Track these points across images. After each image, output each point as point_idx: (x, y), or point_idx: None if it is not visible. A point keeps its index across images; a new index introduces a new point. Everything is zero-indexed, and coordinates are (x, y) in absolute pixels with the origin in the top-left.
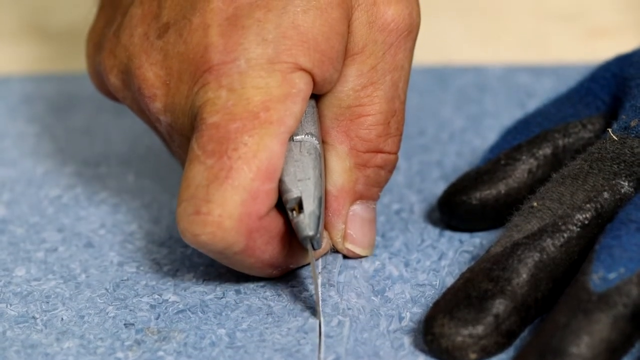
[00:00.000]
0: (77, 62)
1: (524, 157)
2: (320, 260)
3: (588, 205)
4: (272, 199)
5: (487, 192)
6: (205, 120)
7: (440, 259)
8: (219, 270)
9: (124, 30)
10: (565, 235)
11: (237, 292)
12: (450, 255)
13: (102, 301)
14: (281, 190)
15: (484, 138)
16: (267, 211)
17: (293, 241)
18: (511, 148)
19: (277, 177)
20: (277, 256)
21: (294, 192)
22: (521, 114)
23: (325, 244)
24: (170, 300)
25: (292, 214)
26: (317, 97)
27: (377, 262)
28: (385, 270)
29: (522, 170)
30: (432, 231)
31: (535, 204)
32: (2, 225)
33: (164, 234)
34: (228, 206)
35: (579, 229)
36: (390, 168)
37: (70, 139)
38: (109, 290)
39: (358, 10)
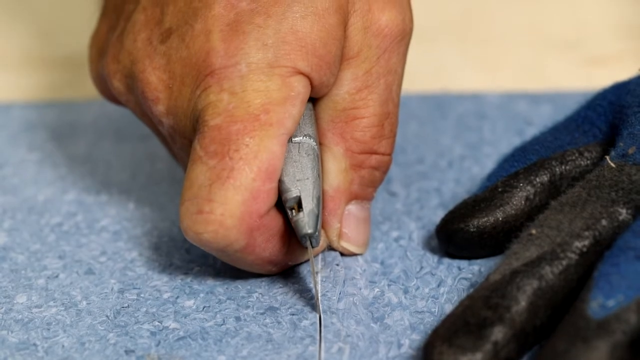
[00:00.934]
0: (78, 90)
1: (521, 185)
2: (319, 256)
3: (586, 233)
4: (272, 198)
5: (485, 220)
6: (208, 123)
7: (439, 286)
8: (219, 297)
9: (128, 36)
10: (564, 262)
11: (237, 319)
12: (449, 282)
13: (102, 328)
14: (281, 190)
15: (483, 166)
16: (267, 210)
17: (292, 239)
18: (509, 176)
19: (277, 177)
20: (276, 253)
21: (293, 191)
22: (519, 142)
23: (321, 242)
24: (170, 327)
25: (292, 212)
26: (314, 100)
27: (377, 289)
28: (384, 297)
29: (519, 197)
30: (431, 258)
31: (533, 231)
32: (3, 253)
33: (164, 261)
34: (230, 205)
35: (577, 257)
36: (384, 169)
37: (71, 167)
38: (110, 317)
39: (354, 16)
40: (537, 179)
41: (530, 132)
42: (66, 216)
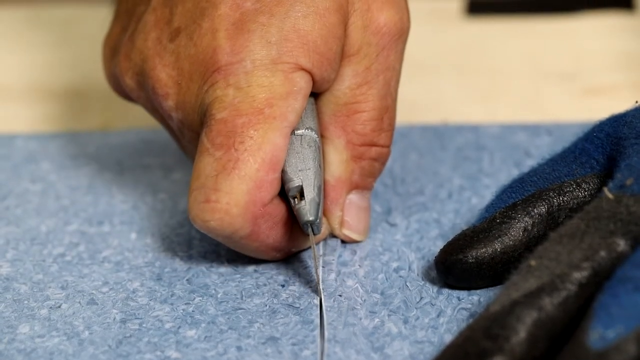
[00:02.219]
0: (81, 122)
1: (519, 216)
2: (320, 244)
3: (585, 264)
4: (276, 187)
5: (483, 251)
6: (214, 116)
7: (438, 316)
8: (221, 327)
9: (139, 36)
10: (563, 293)
11: (239, 349)
12: (449, 312)
13: (105, 358)
14: (284, 180)
15: (482, 197)
16: (271, 199)
17: (294, 226)
18: (507, 207)
19: (280, 167)
20: (280, 240)
21: (295, 181)
22: (518, 173)
23: (324, 230)
24: (172, 357)
25: (294, 201)
26: (316, 95)
27: (377, 319)
28: (384, 327)
29: (517, 228)
30: (431, 289)
31: (533, 262)
32: (6, 283)
33: (166, 292)
34: (235, 194)
35: (576, 288)
36: (383, 160)
37: (73, 198)
38: (112, 347)
39: (354, 15)
40: (535, 210)
41: (529, 163)
42: (69, 247)
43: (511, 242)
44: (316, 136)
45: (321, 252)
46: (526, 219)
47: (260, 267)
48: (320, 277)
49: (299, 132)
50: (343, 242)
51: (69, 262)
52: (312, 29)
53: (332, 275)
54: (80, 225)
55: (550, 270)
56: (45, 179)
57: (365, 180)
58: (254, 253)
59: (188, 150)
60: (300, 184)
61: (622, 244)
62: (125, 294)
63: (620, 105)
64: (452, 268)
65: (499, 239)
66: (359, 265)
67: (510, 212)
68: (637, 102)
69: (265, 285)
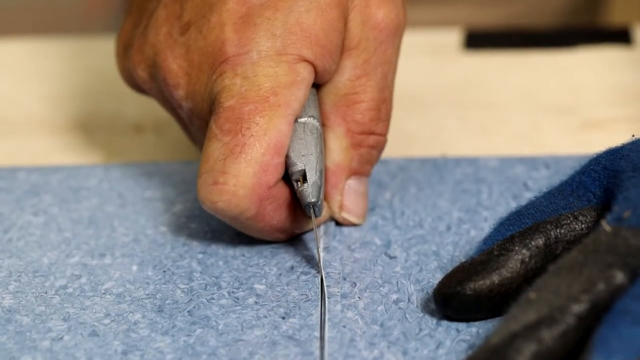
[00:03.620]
0: (83, 155)
1: (517, 248)
2: (321, 227)
3: (584, 297)
4: (280, 171)
5: (481, 283)
6: (222, 104)
7: (437, 348)
8: (222, 358)
9: (151, 30)
10: (562, 326)
11: None
12: (448, 344)
13: None
14: (287, 164)
15: (481, 229)
16: (276, 182)
17: (297, 209)
18: (504, 239)
19: (284, 152)
20: (284, 221)
21: (298, 165)
22: (516, 206)
23: (324, 213)
24: None
25: (297, 184)
26: (317, 86)
27: (376, 351)
28: (383, 359)
29: (515, 260)
30: (430, 320)
31: (532, 295)
32: (8, 315)
33: (167, 323)
34: (242, 177)
35: (575, 320)
36: (380, 148)
37: (75, 230)
38: None
39: (353, 11)
40: (533, 243)
41: (527, 196)
42: (70, 279)
43: (509, 275)
44: (318, 124)
45: (321, 233)
46: (524, 251)
47: (261, 300)
48: (322, 259)
49: (302, 120)
50: (340, 224)
51: (70, 294)
52: (315, 23)
53: (338, 307)
54: (82, 258)
55: (549, 303)
56: (47, 211)
57: (363, 166)
58: (259, 234)
59: (196, 138)
60: (303, 168)
61: (620, 277)
62: (126, 325)
63: (617, 138)
64: (450, 300)
65: (497, 272)
66: (359, 297)
67: (507, 245)
68: (633, 135)
69: (265, 317)
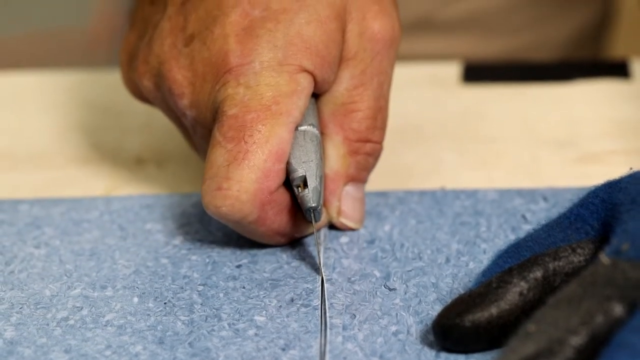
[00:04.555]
0: (84, 188)
1: (515, 280)
2: (321, 231)
3: (582, 329)
4: (281, 177)
5: (480, 315)
6: (226, 113)
7: None
8: None
9: (156, 41)
10: (561, 359)
11: None
12: None
13: None
14: (288, 170)
15: (479, 261)
16: (277, 187)
17: (298, 213)
18: (503, 272)
19: (285, 159)
20: (285, 226)
21: (299, 171)
22: (515, 238)
23: (323, 218)
24: None
25: (298, 190)
26: (317, 96)
27: None
28: None
29: (513, 293)
30: (429, 352)
31: (530, 328)
32: (10, 347)
33: (167, 355)
34: (245, 183)
35: (574, 353)
36: (376, 155)
37: (76, 262)
38: None
39: (351, 23)
40: (531, 275)
41: (526, 229)
42: (72, 311)
43: (507, 307)
44: (317, 132)
45: (322, 238)
46: (522, 283)
47: (261, 331)
48: (322, 261)
49: (302, 128)
50: (340, 229)
51: (72, 326)
52: (314, 35)
53: (339, 338)
54: (83, 290)
55: (548, 336)
56: (49, 243)
57: (360, 173)
58: (261, 237)
59: (200, 147)
60: (304, 174)
61: (619, 309)
62: (127, 357)
63: (615, 171)
64: (449, 332)
65: (496, 303)
66: (359, 329)
67: (506, 277)
68: (631, 168)
69: (265, 348)
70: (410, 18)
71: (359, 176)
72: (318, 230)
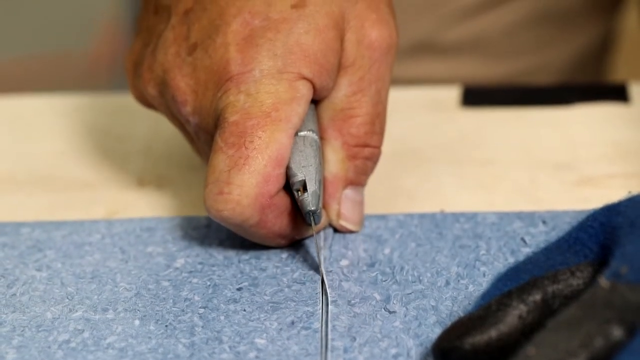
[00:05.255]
0: (86, 211)
1: (514, 303)
2: (321, 233)
3: (582, 351)
4: (281, 181)
5: (479, 338)
6: (227, 119)
7: None
8: None
9: (160, 50)
10: None
11: None
12: None
13: None
14: (288, 175)
15: (479, 284)
16: (277, 191)
17: (298, 216)
18: (502, 294)
19: (285, 163)
20: (285, 228)
21: (299, 176)
22: (514, 261)
23: (323, 220)
24: None
25: (298, 193)
26: (316, 102)
27: None
28: None
29: (512, 316)
30: None
31: (530, 351)
32: None
33: None
34: (245, 187)
35: None
36: (375, 159)
37: (78, 285)
38: None
39: (349, 32)
40: (530, 298)
41: (525, 251)
42: (74, 333)
43: (507, 329)
44: (317, 137)
45: (322, 241)
46: (521, 306)
47: (262, 354)
48: (322, 263)
49: (302, 133)
50: (338, 231)
51: (73, 349)
52: (313, 44)
53: None
54: (85, 312)
55: (548, 358)
56: (50, 266)
57: (359, 177)
58: (262, 240)
59: (202, 152)
60: (303, 178)
61: (618, 332)
62: None
63: (613, 194)
64: (449, 355)
65: (495, 326)
66: (359, 352)
67: (505, 300)
68: (630, 192)
69: None
70: (411, 41)
71: (358, 180)
72: (317, 232)
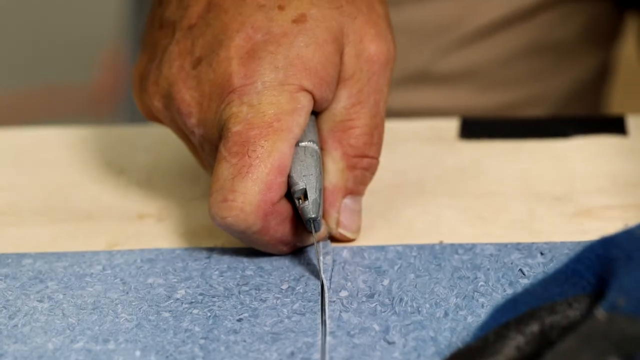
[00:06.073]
0: (87, 243)
1: (512, 334)
2: (320, 243)
3: None
4: (283, 189)
5: None
6: (230, 130)
7: None
8: None
9: (165, 64)
10: None
11: None
12: None
13: None
14: (290, 183)
15: (478, 315)
16: (279, 199)
17: (299, 224)
18: (500, 326)
19: (286, 172)
20: (287, 235)
21: (300, 184)
22: (512, 292)
23: (323, 229)
24: None
25: (299, 201)
26: (316, 113)
27: None
28: None
29: (510, 347)
30: None
31: None
32: None
33: None
34: (249, 195)
35: None
36: (373, 170)
37: (79, 316)
38: None
39: (348, 46)
40: (528, 329)
41: (523, 283)
42: None
43: None
44: (317, 147)
45: (321, 248)
46: (519, 337)
47: None
48: (322, 271)
49: (303, 143)
50: (338, 240)
51: None
52: (313, 57)
53: None
54: (86, 343)
55: None
56: (52, 297)
57: (358, 186)
58: (265, 247)
59: (207, 163)
60: (304, 186)
61: None
62: None
63: (610, 226)
64: None
65: (493, 357)
66: None
67: (503, 331)
68: (626, 224)
69: None
70: (407, 71)
71: (357, 189)
72: (318, 241)
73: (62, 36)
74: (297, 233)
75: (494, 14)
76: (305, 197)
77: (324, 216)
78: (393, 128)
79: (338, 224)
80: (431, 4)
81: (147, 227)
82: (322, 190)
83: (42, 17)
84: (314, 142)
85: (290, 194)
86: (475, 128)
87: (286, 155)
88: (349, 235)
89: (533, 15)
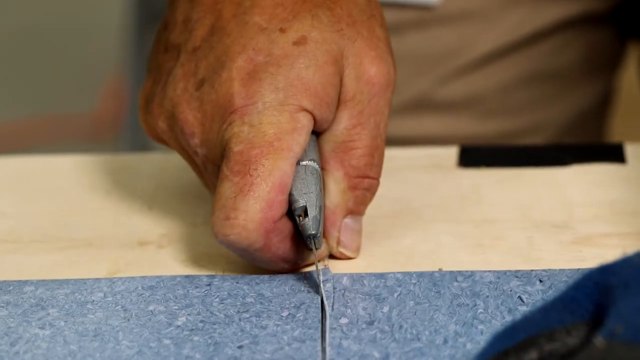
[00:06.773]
0: (88, 270)
1: None
2: (321, 262)
3: None
4: (284, 207)
5: None
6: (232, 149)
7: None
8: None
9: (169, 86)
10: None
11: None
12: None
13: None
14: (291, 201)
15: (477, 343)
16: (280, 217)
17: (300, 242)
18: (499, 353)
19: (287, 190)
20: (288, 252)
21: (300, 202)
22: (511, 320)
23: (324, 248)
24: None
25: (299, 219)
26: (318, 134)
27: None
28: None
29: None
30: None
31: None
32: None
33: None
34: (250, 212)
35: None
36: (373, 190)
37: (81, 343)
38: None
39: (348, 68)
40: (526, 356)
41: (522, 310)
42: None
43: None
44: (317, 166)
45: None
46: None
47: None
48: (322, 285)
49: (304, 162)
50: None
51: None
52: (313, 78)
53: None
54: None
55: None
56: (53, 324)
57: (358, 207)
58: (266, 264)
59: (210, 182)
60: (305, 204)
61: None
62: None
63: (609, 254)
64: None
65: None
66: None
67: (502, 358)
68: (624, 252)
69: None
70: (407, 99)
71: (357, 209)
72: (319, 260)
73: (64, 66)
74: (298, 251)
75: (494, 42)
76: (306, 214)
77: (325, 235)
78: (393, 156)
79: (339, 242)
80: (432, 32)
81: (148, 254)
82: (322, 208)
83: (45, 47)
84: (314, 160)
85: (292, 212)
86: (474, 156)
87: (287, 174)
88: (349, 254)
89: (534, 43)
